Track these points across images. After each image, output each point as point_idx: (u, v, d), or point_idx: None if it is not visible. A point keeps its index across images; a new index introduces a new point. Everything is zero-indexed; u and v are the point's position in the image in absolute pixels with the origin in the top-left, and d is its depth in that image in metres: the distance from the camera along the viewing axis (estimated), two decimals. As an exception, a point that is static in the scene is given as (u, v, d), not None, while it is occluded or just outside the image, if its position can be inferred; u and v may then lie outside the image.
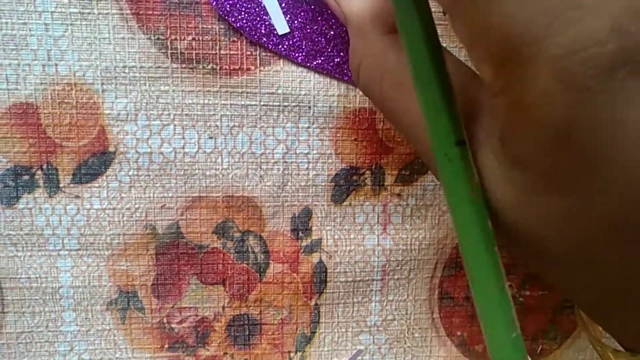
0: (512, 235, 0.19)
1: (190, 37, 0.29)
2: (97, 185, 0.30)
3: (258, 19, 0.29)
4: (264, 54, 0.30)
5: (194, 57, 0.30)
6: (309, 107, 0.31)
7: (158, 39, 0.29)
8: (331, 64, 0.30)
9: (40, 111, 0.29)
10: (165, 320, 0.32)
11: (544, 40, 0.15)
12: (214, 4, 0.29)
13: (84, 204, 0.30)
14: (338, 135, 0.31)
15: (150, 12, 0.29)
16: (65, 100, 0.29)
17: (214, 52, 0.30)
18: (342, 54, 0.30)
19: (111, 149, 0.30)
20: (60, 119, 0.29)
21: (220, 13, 0.29)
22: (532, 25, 0.15)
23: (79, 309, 0.31)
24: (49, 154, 0.29)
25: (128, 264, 0.31)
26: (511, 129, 0.17)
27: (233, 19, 0.29)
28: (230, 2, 0.29)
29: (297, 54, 0.30)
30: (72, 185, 0.30)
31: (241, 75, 0.30)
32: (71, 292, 0.31)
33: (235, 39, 0.30)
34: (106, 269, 0.31)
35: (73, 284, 0.31)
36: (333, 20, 0.30)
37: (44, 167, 0.30)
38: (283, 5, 0.29)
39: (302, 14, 0.29)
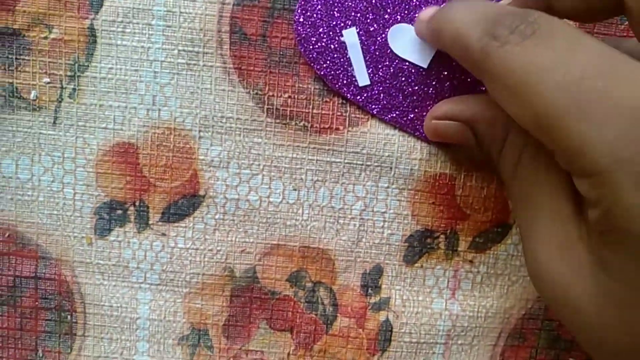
0: (587, 333, 0.20)
1: (286, 95, 0.31)
2: (183, 225, 0.32)
3: (342, 69, 0.30)
4: (353, 115, 0.31)
5: (288, 113, 0.31)
6: (390, 168, 0.32)
7: (256, 93, 0.31)
8: (405, 118, 0.31)
9: (140, 151, 0.31)
10: (232, 360, 0.33)
11: (629, 163, 0.17)
12: (302, 50, 0.30)
13: (169, 242, 0.32)
14: (416, 197, 0.32)
15: (251, 68, 0.30)
16: (164, 144, 0.31)
17: (307, 110, 0.31)
18: (416, 110, 0.31)
19: (201, 192, 0.31)
20: (157, 160, 0.31)
21: (307, 59, 0.30)
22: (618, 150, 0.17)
23: (152, 340, 0.33)
24: (142, 192, 0.31)
25: (203, 303, 0.32)
26: (603, 237, 0.18)
27: (318, 67, 0.30)
28: (318, 50, 0.30)
29: (373, 106, 0.31)
30: (160, 223, 0.32)
31: (330, 134, 0.31)
32: (147, 324, 0.32)
33: (327, 99, 0.31)
34: (182, 305, 0.32)
35: (150, 316, 0.32)
36: (412, 78, 0.31)
37: (137, 203, 0.31)
38: (367, 58, 0.30)
39: (383, 68, 0.30)
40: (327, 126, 0.31)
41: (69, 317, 0.32)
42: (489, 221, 0.33)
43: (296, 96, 0.31)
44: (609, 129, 0.17)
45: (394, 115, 0.31)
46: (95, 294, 0.32)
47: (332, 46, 0.30)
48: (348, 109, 0.31)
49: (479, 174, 0.32)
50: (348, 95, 0.31)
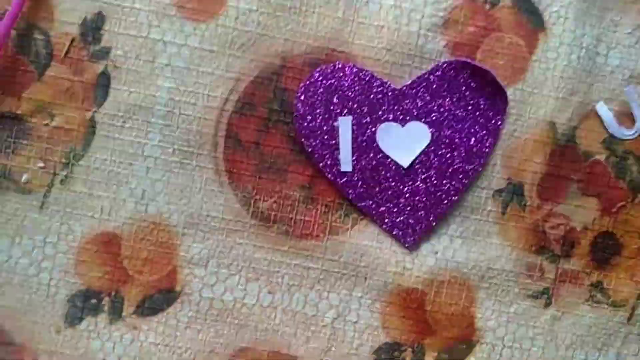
0: None
1: (272, 200, 0.32)
2: (156, 320, 0.32)
3: (329, 151, 0.32)
4: (334, 224, 0.33)
5: (272, 217, 0.32)
6: (365, 279, 0.33)
7: (244, 196, 0.32)
8: (376, 209, 0.33)
9: (123, 243, 0.31)
10: None
11: None
12: (297, 125, 0.32)
13: (140, 336, 0.31)
14: (387, 309, 0.33)
15: (242, 172, 0.32)
16: (147, 237, 0.31)
17: (290, 215, 0.32)
18: (388, 204, 0.33)
19: (177, 288, 0.32)
20: (138, 253, 0.31)
21: (298, 134, 0.32)
22: None
23: None
24: (120, 283, 0.31)
25: (166, 402, 0.32)
26: None
27: (307, 144, 0.32)
28: (311, 128, 0.32)
29: (350, 191, 0.32)
30: (133, 316, 0.31)
31: (310, 240, 0.32)
32: (105, 420, 0.31)
33: (311, 207, 0.32)
34: (144, 403, 0.32)
35: (109, 412, 0.31)
36: (390, 174, 0.32)
37: (112, 294, 0.31)
38: (354, 146, 0.32)
39: (367, 159, 0.32)
40: (308, 232, 0.32)
41: (23, 407, 0.31)
42: (455, 337, 0.33)
43: (282, 201, 0.32)
44: None
45: (367, 204, 0.33)
46: (56, 385, 0.31)
47: (325, 128, 0.32)
48: (330, 217, 0.32)
49: (449, 291, 0.33)
50: (329, 175, 0.32)
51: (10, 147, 0.31)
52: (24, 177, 0.31)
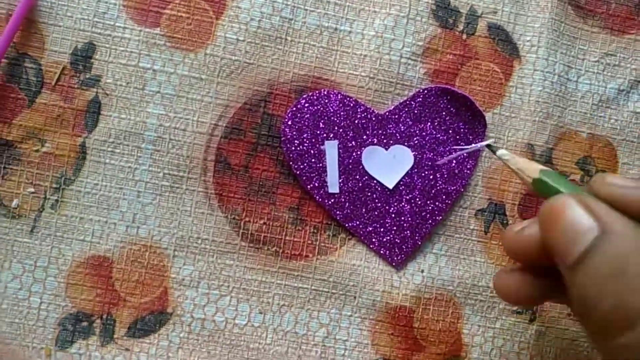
0: None
1: (262, 221, 0.33)
2: (148, 341, 0.32)
3: (316, 173, 0.33)
4: (322, 244, 0.33)
5: (261, 238, 0.33)
6: (354, 297, 0.33)
7: (234, 218, 0.32)
8: (364, 230, 0.33)
9: (114, 266, 0.32)
10: None
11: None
12: (285, 149, 0.32)
13: (132, 358, 0.32)
14: (377, 327, 0.34)
15: (231, 195, 0.32)
16: (139, 260, 0.32)
17: (279, 237, 0.33)
18: (375, 224, 0.33)
19: (169, 310, 0.32)
20: (130, 276, 0.32)
21: (286, 157, 0.32)
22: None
23: None
24: (111, 306, 0.32)
25: None
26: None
27: (295, 166, 0.32)
28: (299, 152, 0.32)
29: (338, 212, 0.33)
30: (125, 338, 0.32)
31: (299, 260, 0.33)
32: None
33: (300, 228, 0.33)
34: None
35: None
36: (376, 195, 0.33)
37: (104, 317, 0.32)
38: (341, 169, 0.33)
39: (353, 181, 0.33)
40: (297, 253, 0.33)
41: None
42: (443, 353, 0.34)
43: (271, 223, 0.33)
44: None
45: (355, 224, 0.33)
46: (47, 409, 0.31)
47: (312, 152, 0.33)
48: (318, 238, 0.33)
49: (435, 308, 0.34)
50: (317, 197, 0.33)
51: (0, 173, 0.31)
52: (14, 203, 0.31)
